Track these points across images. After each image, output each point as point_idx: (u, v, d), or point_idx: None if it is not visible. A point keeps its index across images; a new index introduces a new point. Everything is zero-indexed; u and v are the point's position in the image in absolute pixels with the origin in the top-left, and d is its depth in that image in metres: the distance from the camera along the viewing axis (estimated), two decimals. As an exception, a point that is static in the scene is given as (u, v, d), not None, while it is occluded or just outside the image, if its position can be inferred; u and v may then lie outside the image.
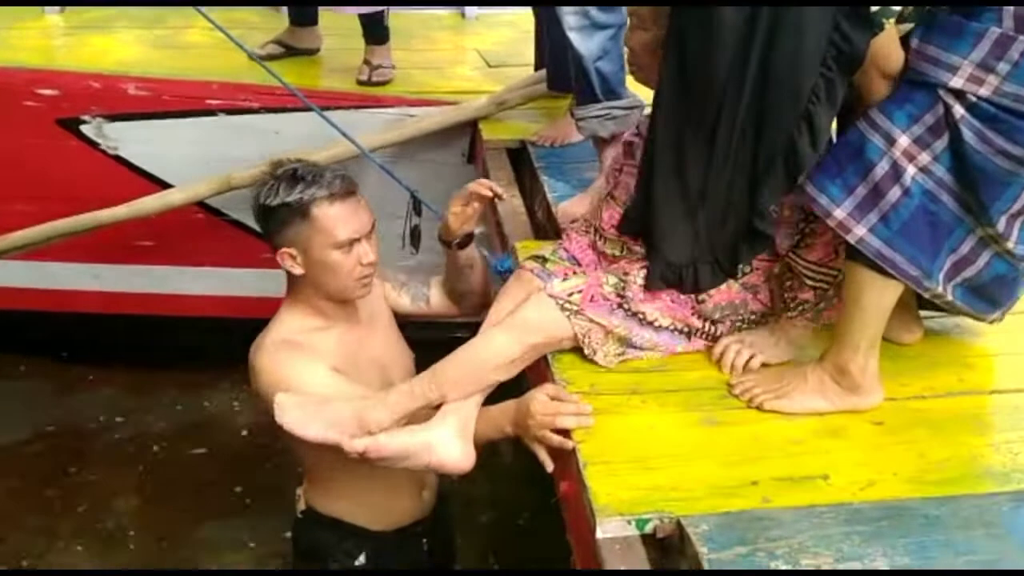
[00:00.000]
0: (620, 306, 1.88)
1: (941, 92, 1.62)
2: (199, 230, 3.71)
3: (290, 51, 3.73)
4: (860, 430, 1.74)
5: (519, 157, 3.02)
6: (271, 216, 2.01)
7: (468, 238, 2.17)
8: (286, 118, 3.37)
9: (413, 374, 2.26)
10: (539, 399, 1.80)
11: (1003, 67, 1.58)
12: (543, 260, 2.08)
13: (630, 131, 2.12)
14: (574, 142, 2.89)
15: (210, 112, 3.43)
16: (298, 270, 2.02)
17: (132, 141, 3.50)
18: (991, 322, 1.93)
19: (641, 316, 1.88)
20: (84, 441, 3.85)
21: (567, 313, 1.85)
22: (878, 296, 1.72)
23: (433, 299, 2.32)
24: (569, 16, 2.44)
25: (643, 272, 1.90)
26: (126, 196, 3.40)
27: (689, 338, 1.93)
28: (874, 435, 1.73)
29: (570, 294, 1.86)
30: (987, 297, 1.83)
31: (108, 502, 3.53)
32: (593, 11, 2.43)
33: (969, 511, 1.53)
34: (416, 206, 2.50)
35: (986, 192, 1.66)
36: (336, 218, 1.99)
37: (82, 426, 3.93)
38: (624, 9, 2.46)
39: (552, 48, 2.74)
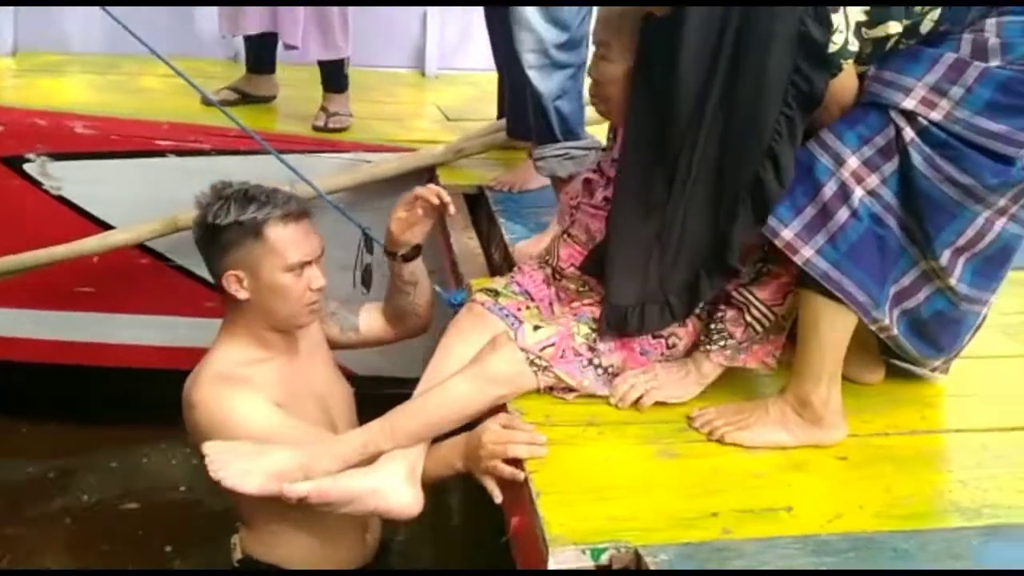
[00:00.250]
0: (591, 362, 1.81)
1: (893, 114, 1.61)
2: (142, 276, 3.59)
3: (246, 98, 3.68)
4: (823, 464, 1.68)
5: (476, 203, 2.98)
6: (220, 236, 1.94)
7: (415, 251, 2.11)
8: (238, 161, 3.30)
9: (352, 407, 2.18)
10: (492, 429, 1.73)
11: (956, 91, 1.58)
12: (495, 293, 2.02)
13: (589, 168, 2.08)
14: (532, 188, 2.86)
15: (159, 153, 3.35)
16: (244, 295, 1.94)
17: (76, 181, 3.40)
18: (933, 370, 1.90)
19: (611, 369, 1.82)
20: (12, 496, 3.65)
21: (535, 369, 1.78)
22: (831, 324, 1.68)
23: (364, 327, 2.26)
24: (529, 55, 2.42)
25: None
26: (68, 238, 3.28)
27: None
28: (838, 470, 1.68)
29: (542, 348, 1.79)
30: (929, 338, 1.80)
31: (34, 559, 3.33)
32: (552, 50, 2.42)
33: (938, 545, 1.47)
34: (368, 244, 2.43)
35: (932, 221, 1.65)
36: (289, 239, 1.94)
37: (10, 480, 3.73)
38: (583, 49, 2.46)
39: (511, 90, 2.72)
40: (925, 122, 1.59)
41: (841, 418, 1.74)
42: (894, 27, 1.57)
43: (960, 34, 1.59)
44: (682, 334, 1.86)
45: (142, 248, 3.41)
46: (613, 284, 1.82)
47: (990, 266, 1.75)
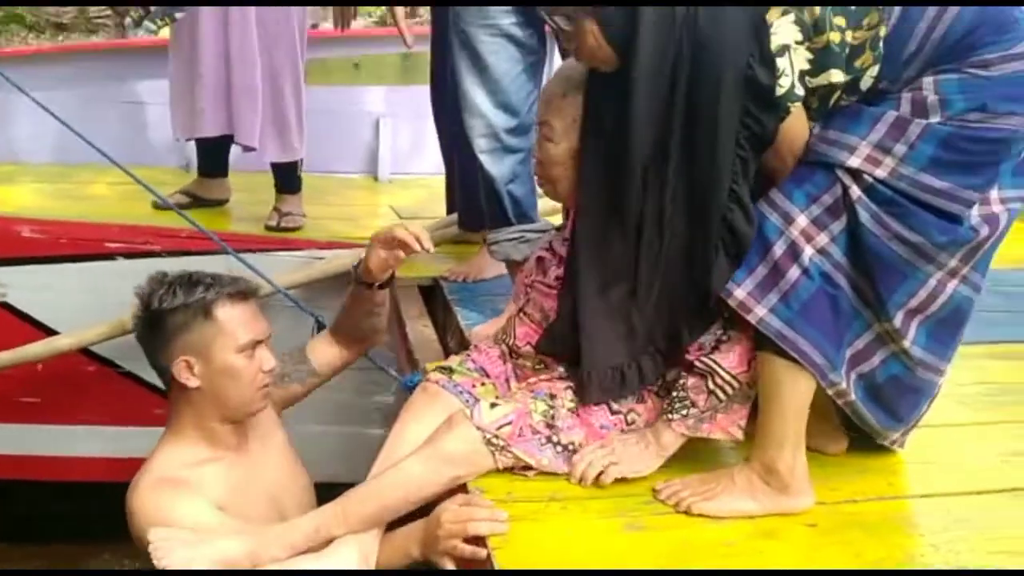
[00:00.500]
0: (549, 439, 1.78)
1: (839, 172, 1.62)
2: (89, 384, 3.49)
3: (197, 201, 3.66)
4: (793, 532, 1.65)
5: (431, 294, 2.97)
6: (166, 322, 1.89)
7: (390, 279, 2.13)
8: (190, 262, 3.23)
9: (311, 496, 2.10)
10: (451, 508, 1.67)
11: (900, 148, 1.60)
12: (450, 371, 1.99)
13: (541, 246, 2.08)
14: (488, 277, 2.85)
15: (108, 256, 3.30)
16: (194, 382, 1.88)
17: (23, 287, 3.33)
18: (892, 443, 1.87)
19: (571, 446, 1.78)
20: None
21: (492, 448, 1.75)
22: (792, 387, 1.67)
23: (320, 366, 2.20)
24: (480, 140, 2.46)
25: (570, 393, 1.81)
26: (11, 347, 3.20)
27: None
28: (808, 537, 1.65)
29: (499, 427, 1.75)
30: (886, 405, 1.79)
31: None
32: (503, 135, 2.46)
33: (915, 607, 1.43)
34: (320, 331, 2.40)
35: (883, 282, 1.65)
36: (239, 319, 1.90)
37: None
38: (533, 133, 2.50)
39: (462, 181, 2.74)
40: (871, 179, 1.61)
41: (807, 485, 1.71)
42: (836, 75, 1.60)
43: (899, 93, 1.63)
44: (641, 410, 1.84)
45: (89, 354, 3.32)
46: (599, 349, 1.78)
47: (944, 329, 1.75)
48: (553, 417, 1.78)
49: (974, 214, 1.64)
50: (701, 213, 1.70)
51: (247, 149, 3.47)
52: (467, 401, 1.92)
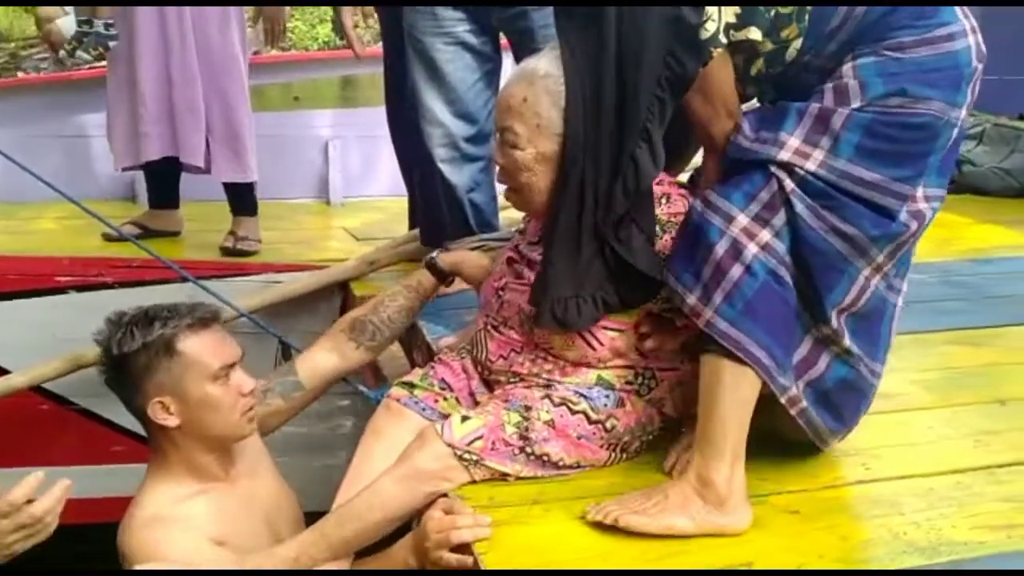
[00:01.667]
0: (523, 450, 1.76)
1: (772, 168, 1.61)
2: (43, 423, 3.39)
3: (148, 232, 3.60)
4: (777, 520, 1.66)
5: (393, 312, 2.93)
6: (130, 366, 1.82)
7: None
8: (143, 292, 3.20)
9: (300, 519, 2.06)
10: (434, 517, 1.65)
11: (825, 140, 1.60)
12: (411, 387, 1.97)
13: (507, 250, 2.06)
14: (450, 292, 2.83)
15: (59, 290, 3.22)
16: (173, 421, 1.82)
17: (-30, 327, 3.24)
18: (827, 446, 1.81)
19: (546, 458, 1.77)
20: None
21: (466, 463, 1.73)
22: (734, 390, 1.61)
23: (312, 377, 2.14)
24: (439, 149, 2.45)
25: (546, 404, 1.78)
26: (-39, 390, 3.10)
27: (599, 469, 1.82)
28: (792, 523, 1.65)
29: (470, 442, 1.73)
30: (835, 409, 1.75)
31: None
32: (462, 143, 2.45)
33: (905, 583, 1.44)
34: (285, 353, 2.36)
35: (822, 279, 1.63)
36: (205, 347, 1.83)
37: None
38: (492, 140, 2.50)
39: (423, 196, 2.73)
40: (802, 172, 1.60)
41: (746, 501, 1.63)
42: (754, 32, 1.61)
43: (822, 84, 1.63)
44: (620, 415, 1.82)
45: (42, 392, 3.23)
46: (549, 280, 1.76)
47: (862, 324, 1.73)
48: (527, 429, 1.76)
49: (906, 208, 1.64)
50: (617, 145, 1.69)
51: (194, 170, 3.43)
52: (430, 416, 1.90)
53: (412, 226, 3.30)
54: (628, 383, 1.83)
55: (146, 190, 3.77)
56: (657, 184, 1.82)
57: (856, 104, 1.59)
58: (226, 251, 3.40)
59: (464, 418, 1.78)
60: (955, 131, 1.64)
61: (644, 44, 1.63)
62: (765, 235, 1.61)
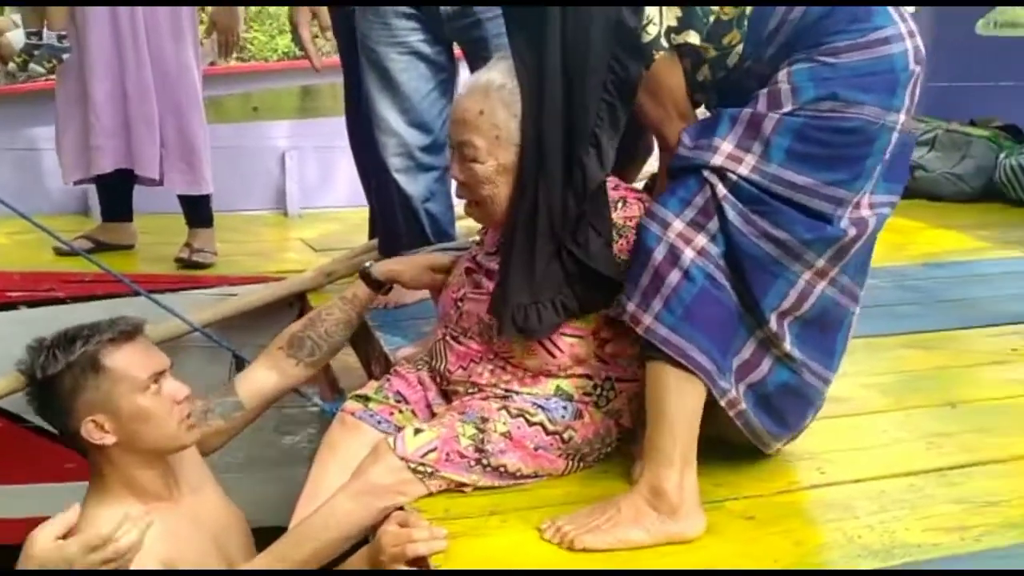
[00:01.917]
0: (479, 461, 1.74)
1: (706, 173, 1.62)
2: (-2, 442, 3.33)
3: (101, 246, 3.55)
4: (732, 526, 1.66)
5: (351, 323, 2.91)
6: (57, 388, 1.78)
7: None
8: (96, 307, 3.14)
9: (248, 537, 2.03)
10: (389, 531, 1.64)
11: (757, 145, 1.60)
12: (366, 399, 1.95)
13: (465, 259, 2.05)
14: (409, 303, 2.82)
15: (10, 306, 3.17)
16: (109, 439, 1.78)
17: (-83, 346, 3.17)
18: (771, 451, 1.81)
19: (502, 469, 1.76)
20: None
21: (420, 476, 1.71)
22: (679, 396, 1.61)
23: (251, 397, 2.12)
24: (394, 159, 2.44)
25: (503, 415, 1.77)
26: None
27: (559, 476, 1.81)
28: (746, 529, 1.65)
29: (424, 454, 1.72)
30: (776, 413, 1.74)
31: None
32: (417, 153, 2.44)
33: (858, 587, 1.45)
34: (240, 367, 2.33)
35: (756, 283, 1.63)
36: (131, 359, 1.80)
37: None
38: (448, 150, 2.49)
39: (381, 206, 2.71)
40: (734, 177, 1.60)
41: (698, 507, 1.63)
42: (693, 36, 1.63)
43: (758, 89, 1.63)
44: (577, 426, 1.81)
45: (-5, 410, 3.17)
46: (508, 288, 1.76)
47: (810, 331, 1.72)
48: (483, 441, 1.75)
49: (847, 214, 1.63)
50: (569, 155, 1.69)
51: (148, 182, 3.39)
52: (385, 429, 1.89)
53: (372, 236, 3.29)
54: (587, 394, 1.83)
55: (99, 203, 3.72)
56: (613, 189, 1.83)
57: (788, 108, 1.59)
58: (181, 263, 3.37)
59: (417, 431, 1.76)
60: (894, 135, 1.63)
61: (588, 50, 1.64)
62: (701, 240, 1.61)
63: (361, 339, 2.79)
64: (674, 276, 1.60)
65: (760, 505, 1.72)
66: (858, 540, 1.61)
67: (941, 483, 1.81)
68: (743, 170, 1.60)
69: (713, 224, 1.61)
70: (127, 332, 1.82)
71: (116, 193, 3.59)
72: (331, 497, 1.76)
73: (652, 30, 1.62)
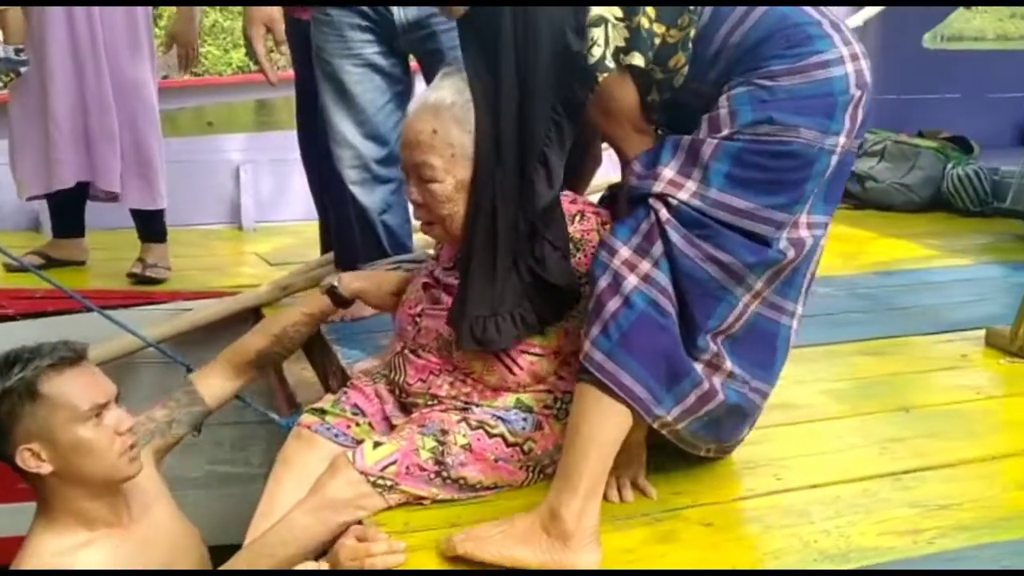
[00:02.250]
0: (439, 474, 1.74)
1: (650, 200, 1.62)
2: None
3: (52, 262, 3.49)
4: (690, 532, 1.67)
5: (308, 338, 2.88)
6: None
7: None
8: (46, 324, 3.10)
9: (205, 557, 1.99)
10: (347, 545, 1.62)
11: (697, 172, 1.60)
12: (322, 413, 1.93)
13: (422, 275, 2.04)
14: (366, 316, 2.80)
15: (-41, 323, 3.11)
16: (46, 468, 1.71)
17: None
18: (705, 453, 1.80)
19: (462, 481, 1.75)
20: None
21: (380, 489, 1.70)
22: (599, 425, 1.59)
23: (212, 399, 2.10)
24: (349, 171, 2.43)
25: (463, 427, 1.76)
26: None
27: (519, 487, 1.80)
28: (705, 536, 1.66)
29: (383, 468, 1.71)
30: (718, 429, 1.74)
31: None
32: (373, 165, 2.43)
33: (816, 591, 1.46)
34: (196, 384, 2.30)
35: (699, 307, 1.62)
36: (71, 387, 1.72)
37: None
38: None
39: (336, 216, 2.69)
40: (676, 202, 1.60)
41: (594, 539, 1.57)
42: (637, 58, 1.63)
43: (704, 109, 1.63)
44: (538, 438, 1.81)
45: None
46: (470, 302, 1.75)
47: (741, 346, 1.71)
48: (443, 454, 1.74)
49: (785, 236, 1.64)
50: (521, 171, 1.70)
51: (108, 197, 3.34)
52: (343, 442, 1.87)
53: (325, 250, 3.27)
54: (547, 407, 1.83)
55: (50, 219, 3.66)
56: (571, 203, 1.84)
57: (726, 132, 1.59)
58: (134, 278, 3.32)
59: (377, 444, 1.75)
60: (834, 158, 1.63)
61: (537, 70, 1.65)
62: (645, 265, 1.60)
63: (318, 352, 2.77)
64: (614, 303, 1.59)
65: (718, 512, 1.73)
66: (814, 545, 1.63)
67: (895, 487, 1.83)
68: (683, 195, 1.60)
69: (657, 249, 1.60)
70: (69, 358, 1.74)
71: (68, 209, 3.53)
72: (288, 512, 1.74)
73: (596, 52, 1.62)
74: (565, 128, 1.69)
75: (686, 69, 1.67)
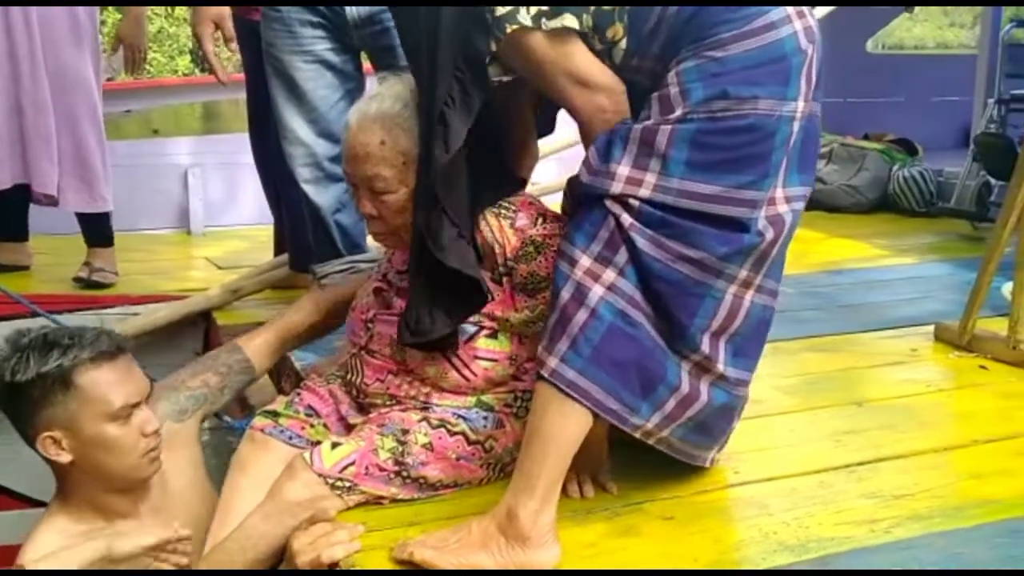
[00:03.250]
0: (399, 474, 1.71)
1: (608, 203, 1.54)
2: None
3: (-7, 266, 3.40)
4: (651, 527, 1.67)
5: (260, 340, 2.84)
6: (22, 396, 1.67)
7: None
8: (-10, 329, 3.01)
9: None
10: (299, 536, 1.60)
11: (655, 163, 1.51)
12: (275, 415, 1.90)
13: (373, 279, 1.99)
14: (319, 317, 2.76)
15: None
16: (65, 457, 1.68)
17: None
18: (704, 463, 1.79)
19: (423, 481, 1.73)
20: None
21: (339, 491, 1.68)
22: (559, 424, 1.54)
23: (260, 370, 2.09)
24: (302, 169, 2.39)
25: (424, 426, 1.74)
26: None
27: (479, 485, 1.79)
28: (666, 529, 1.67)
29: (342, 469, 1.68)
30: (708, 432, 1.72)
31: None
32: (326, 163, 2.40)
33: (776, 581, 1.47)
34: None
35: (680, 307, 1.56)
36: (107, 383, 1.68)
37: None
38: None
39: (290, 220, 2.66)
40: (637, 203, 1.52)
41: (552, 538, 1.55)
42: (570, 20, 1.53)
43: (653, 86, 1.56)
44: (499, 436, 1.79)
45: None
46: (411, 297, 1.72)
47: (750, 344, 1.68)
48: (403, 454, 1.72)
49: (762, 215, 1.57)
50: (424, 140, 1.62)
51: (46, 197, 3.26)
52: (297, 444, 1.84)
53: (279, 253, 3.23)
54: (507, 405, 1.82)
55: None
56: (531, 204, 1.82)
57: (679, 112, 1.51)
58: (81, 282, 3.25)
59: (335, 445, 1.72)
60: (795, 124, 1.56)
61: (441, 27, 1.56)
62: (609, 275, 1.54)
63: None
64: (581, 315, 1.53)
65: (678, 506, 1.73)
66: (774, 536, 1.63)
67: (850, 479, 1.85)
68: (644, 192, 1.52)
69: (621, 257, 1.54)
70: (110, 352, 1.70)
71: (9, 212, 3.44)
72: (247, 518, 1.71)
73: (508, 5, 1.52)
74: (470, 89, 1.57)
75: (624, 43, 1.58)
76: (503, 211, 1.77)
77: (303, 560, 1.57)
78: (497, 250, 1.76)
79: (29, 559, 1.68)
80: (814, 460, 1.93)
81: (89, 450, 1.69)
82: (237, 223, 4.39)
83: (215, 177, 4.47)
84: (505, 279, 1.77)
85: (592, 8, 1.56)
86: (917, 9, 5.74)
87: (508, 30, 1.53)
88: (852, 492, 1.80)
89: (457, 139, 1.58)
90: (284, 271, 3.04)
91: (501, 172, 1.81)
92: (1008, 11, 5.34)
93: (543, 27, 1.54)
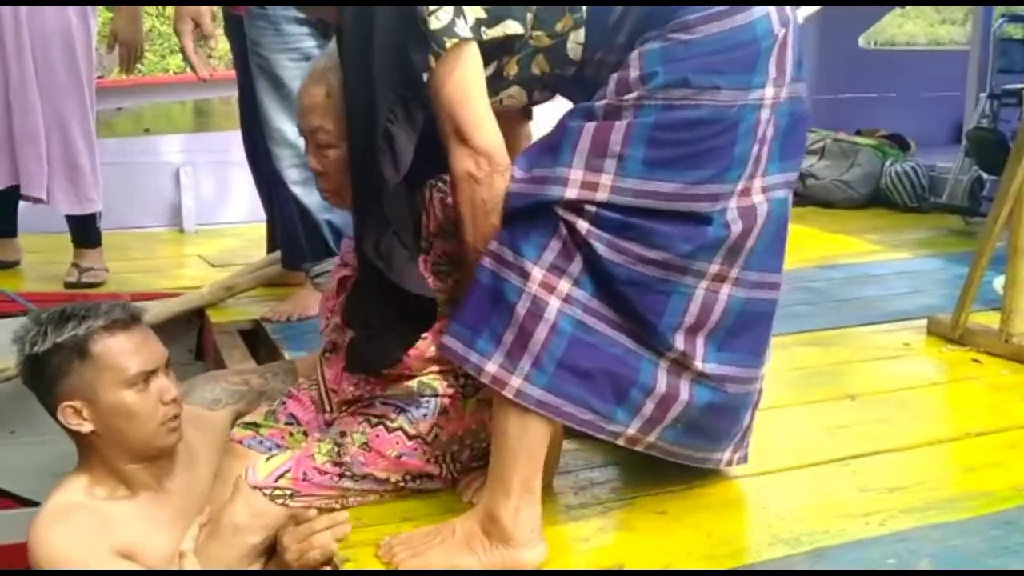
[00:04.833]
0: (343, 475, 1.68)
1: (558, 210, 1.45)
2: None
3: (-19, 263, 3.39)
4: (645, 521, 1.67)
5: (254, 337, 2.83)
6: (43, 367, 1.68)
7: None
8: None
9: None
10: (288, 530, 1.60)
11: (610, 164, 1.43)
12: (255, 426, 1.86)
13: (338, 265, 1.92)
14: (313, 315, 2.75)
15: None
16: (87, 426, 1.69)
17: None
18: (723, 465, 1.75)
19: (372, 478, 1.70)
20: None
21: (280, 500, 1.65)
22: (521, 426, 1.50)
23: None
24: (290, 171, 2.38)
25: (363, 426, 1.69)
26: None
27: (433, 480, 1.74)
28: (660, 523, 1.66)
29: (277, 478, 1.65)
30: (704, 433, 1.65)
31: None
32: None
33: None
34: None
35: (646, 307, 1.50)
36: (122, 350, 1.70)
37: None
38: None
39: (282, 219, 2.64)
40: (594, 209, 1.44)
41: (537, 536, 1.52)
42: (512, 27, 1.47)
43: (609, 73, 1.48)
44: (443, 423, 1.71)
45: None
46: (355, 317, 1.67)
47: (736, 338, 1.60)
48: (339, 454, 1.68)
49: (731, 207, 1.49)
50: (367, 159, 1.51)
51: (35, 200, 3.25)
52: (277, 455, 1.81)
53: (272, 250, 3.22)
54: (451, 385, 1.72)
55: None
56: None
57: (635, 94, 1.43)
58: (70, 286, 3.23)
59: (270, 457, 1.71)
60: (763, 112, 1.47)
61: (372, 39, 1.48)
62: (564, 285, 1.47)
63: (264, 353, 2.72)
64: (541, 331, 1.46)
65: (673, 500, 1.73)
66: (768, 529, 1.63)
67: (844, 472, 1.85)
68: (601, 195, 1.44)
69: (576, 266, 1.47)
70: (124, 321, 1.72)
71: (0, 209, 3.43)
72: (201, 545, 1.67)
73: (444, 16, 1.43)
74: (412, 105, 1.48)
75: (580, 34, 1.51)
76: (441, 184, 1.73)
77: (291, 559, 1.56)
78: (424, 221, 1.71)
79: (52, 507, 1.68)
80: (808, 453, 1.93)
81: (109, 418, 1.69)
82: (229, 221, 4.37)
83: (207, 175, 4.45)
84: (423, 257, 1.71)
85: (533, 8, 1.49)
86: (909, 5, 5.74)
87: (448, 45, 1.45)
88: (846, 485, 1.80)
89: (406, 157, 1.48)
90: (277, 268, 3.03)
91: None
92: (999, 7, 5.36)
93: (483, 36, 1.47)
